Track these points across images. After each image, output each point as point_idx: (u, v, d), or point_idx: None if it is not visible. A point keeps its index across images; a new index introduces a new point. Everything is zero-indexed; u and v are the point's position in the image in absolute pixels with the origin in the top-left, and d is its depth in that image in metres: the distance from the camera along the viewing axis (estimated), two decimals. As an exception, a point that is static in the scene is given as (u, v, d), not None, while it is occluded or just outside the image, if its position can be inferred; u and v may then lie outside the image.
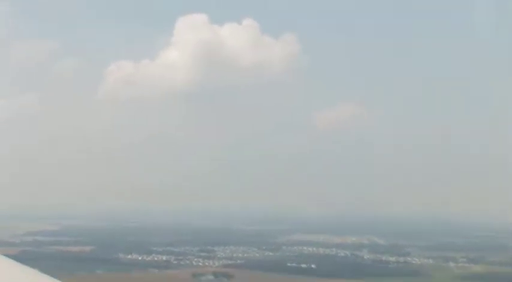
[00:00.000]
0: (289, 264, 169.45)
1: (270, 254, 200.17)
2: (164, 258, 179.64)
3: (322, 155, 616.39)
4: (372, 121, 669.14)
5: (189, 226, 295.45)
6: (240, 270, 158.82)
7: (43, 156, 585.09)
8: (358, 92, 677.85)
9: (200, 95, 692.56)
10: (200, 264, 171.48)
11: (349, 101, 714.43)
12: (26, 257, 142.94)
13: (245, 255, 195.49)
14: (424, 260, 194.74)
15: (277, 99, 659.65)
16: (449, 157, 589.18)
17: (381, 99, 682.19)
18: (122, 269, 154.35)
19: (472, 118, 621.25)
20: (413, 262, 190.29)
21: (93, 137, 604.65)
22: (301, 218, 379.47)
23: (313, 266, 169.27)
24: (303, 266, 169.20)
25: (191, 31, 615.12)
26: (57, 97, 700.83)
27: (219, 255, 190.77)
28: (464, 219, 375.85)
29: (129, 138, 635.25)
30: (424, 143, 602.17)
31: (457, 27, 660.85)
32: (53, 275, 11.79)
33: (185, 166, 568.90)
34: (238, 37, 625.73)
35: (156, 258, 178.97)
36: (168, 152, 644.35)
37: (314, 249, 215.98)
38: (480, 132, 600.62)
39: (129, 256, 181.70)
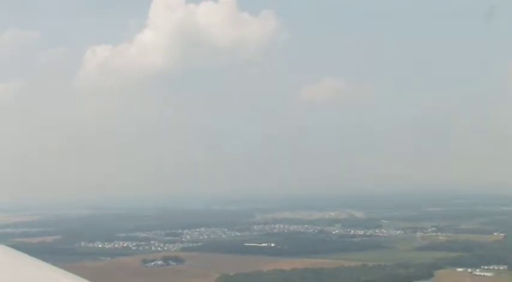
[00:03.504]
0: (246, 244, 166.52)
1: (238, 234, 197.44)
2: (125, 244, 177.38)
3: (310, 131, 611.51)
4: (356, 95, 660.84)
5: (169, 210, 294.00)
6: (195, 252, 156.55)
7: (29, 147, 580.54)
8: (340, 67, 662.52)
9: (179, 76, 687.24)
10: (159, 249, 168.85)
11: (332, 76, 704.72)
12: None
13: (211, 236, 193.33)
14: (393, 231, 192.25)
15: (258, 77, 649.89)
16: (430, 127, 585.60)
17: (363, 73, 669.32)
18: (75, 259, 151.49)
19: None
20: (381, 235, 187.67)
21: (75, 126, 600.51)
22: (289, 195, 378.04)
23: (272, 244, 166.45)
24: (263, 245, 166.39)
25: (167, 12, 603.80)
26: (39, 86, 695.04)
27: (183, 239, 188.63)
28: (449, 189, 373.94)
29: (110, 125, 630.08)
30: (406, 114, 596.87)
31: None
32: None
33: (168, 151, 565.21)
34: (215, 15, 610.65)
35: (116, 245, 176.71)
36: (149, 137, 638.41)
37: (286, 226, 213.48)
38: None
39: (91, 244, 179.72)
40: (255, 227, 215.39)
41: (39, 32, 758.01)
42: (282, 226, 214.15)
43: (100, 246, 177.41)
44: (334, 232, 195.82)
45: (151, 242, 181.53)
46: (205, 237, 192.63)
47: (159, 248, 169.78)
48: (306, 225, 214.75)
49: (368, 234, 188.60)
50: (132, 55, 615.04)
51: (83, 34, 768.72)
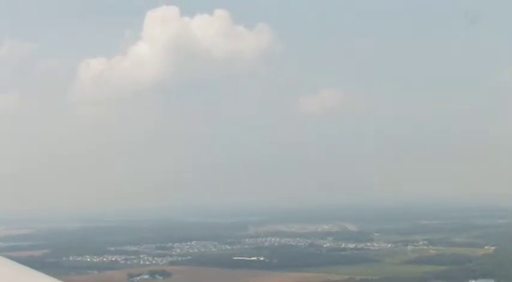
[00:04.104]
0: (235, 258, 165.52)
1: (228, 247, 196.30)
2: (113, 258, 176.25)
3: (307, 144, 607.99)
4: (353, 104, 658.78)
5: (162, 223, 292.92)
6: (183, 266, 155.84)
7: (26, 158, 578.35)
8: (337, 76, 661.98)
9: (175, 87, 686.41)
10: (148, 262, 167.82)
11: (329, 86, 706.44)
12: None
13: (201, 250, 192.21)
14: (384, 244, 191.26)
15: (255, 89, 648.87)
16: (431, 136, 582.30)
17: (360, 81, 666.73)
18: (62, 273, 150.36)
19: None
20: (371, 248, 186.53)
21: (71, 139, 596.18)
22: (285, 207, 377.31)
23: (261, 258, 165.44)
24: (252, 258, 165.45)
25: (161, 25, 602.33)
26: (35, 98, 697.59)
27: (174, 252, 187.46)
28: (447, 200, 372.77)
29: (108, 136, 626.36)
30: (406, 122, 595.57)
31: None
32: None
33: (165, 163, 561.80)
34: (210, 28, 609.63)
35: (105, 259, 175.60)
36: (147, 148, 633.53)
37: (277, 239, 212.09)
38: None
39: (79, 258, 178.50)
40: (247, 240, 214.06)
41: (36, 43, 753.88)
42: (273, 239, 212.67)
43: (88, 260, 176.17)
44: (325, 245, 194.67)
45: (141, 255, 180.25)
46: (195, 250, 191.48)
47: (147, 262, 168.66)
48: (298, 239, 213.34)
49: (359, 247, 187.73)
50: (127, 67, 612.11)
51: (79, 46, 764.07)
